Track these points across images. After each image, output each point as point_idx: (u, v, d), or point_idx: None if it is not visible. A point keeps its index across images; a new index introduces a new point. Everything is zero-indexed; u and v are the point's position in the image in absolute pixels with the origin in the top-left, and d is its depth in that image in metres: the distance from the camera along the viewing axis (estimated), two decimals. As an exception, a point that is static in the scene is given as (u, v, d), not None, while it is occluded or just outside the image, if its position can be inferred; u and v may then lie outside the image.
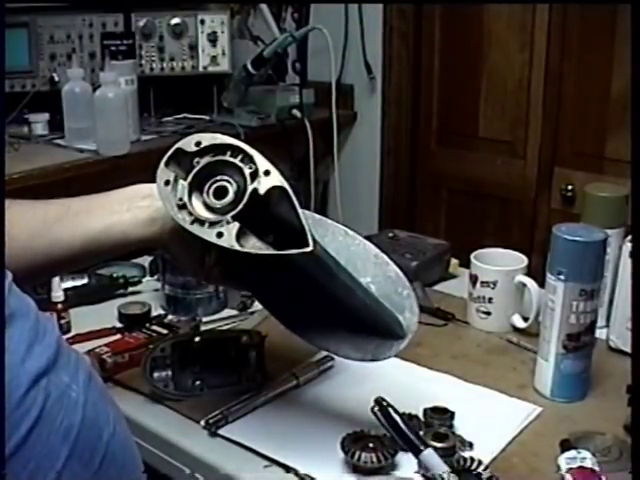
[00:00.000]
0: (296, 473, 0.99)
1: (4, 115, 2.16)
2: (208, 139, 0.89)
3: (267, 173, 0.86)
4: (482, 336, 1.36)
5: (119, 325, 1.39)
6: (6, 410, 0.70)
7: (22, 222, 0.98)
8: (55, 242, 0.99)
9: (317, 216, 1.05)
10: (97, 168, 2.15)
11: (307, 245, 0.85)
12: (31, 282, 0.99)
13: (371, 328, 1.02)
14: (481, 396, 1.17)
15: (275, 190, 0.86)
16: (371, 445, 0.99)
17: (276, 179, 0.86)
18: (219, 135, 0.90)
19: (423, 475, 0.97)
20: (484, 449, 1.03)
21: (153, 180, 0.92)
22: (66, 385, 0.76)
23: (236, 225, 0.86)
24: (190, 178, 0.89)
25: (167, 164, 0.90)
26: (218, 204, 0.87)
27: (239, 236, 0.86)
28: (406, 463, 0.99)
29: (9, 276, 0.79)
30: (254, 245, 0.87)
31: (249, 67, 2.47)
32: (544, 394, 1.17)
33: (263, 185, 0.86)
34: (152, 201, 0.98)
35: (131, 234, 0.98)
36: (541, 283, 1.22)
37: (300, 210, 0.86)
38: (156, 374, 1.15)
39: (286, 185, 0.86)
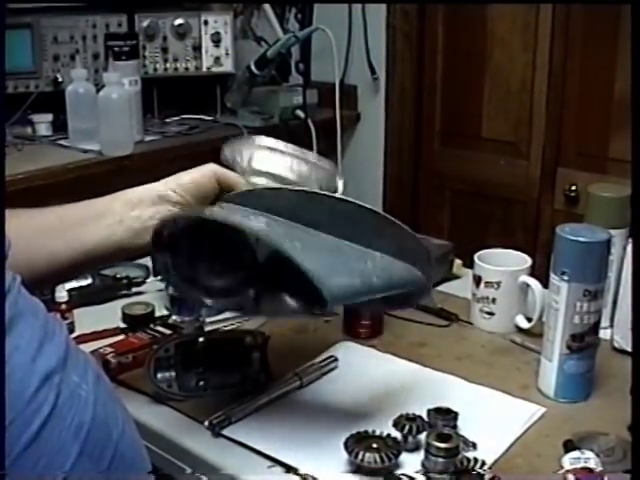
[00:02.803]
0: (296, 473, 1.00)
1: (3, 115, 2.17)
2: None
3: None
4: (486, 337, 1.36)
5: (123, 325, 1.39)
6: (17, 407, 0.71)
7: (20, 236, 0.99)
8: (52, 255, 1.01)
9: (316, 193, 1.00)
10: (101, 169, 2.15)
11: (325, 303, 0.90)
12: (35, 289, 1.00)
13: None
14: (485, 397, 1.17)
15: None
16: (374, 445, 0.99)
17: (268, 248, 0.92)
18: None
19: (425, 474, 0.97)
20: (488, 449, 1.03)
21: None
22: (76, 384, 0.77)
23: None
24: None
25: None
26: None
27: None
28: (409, 463, 0.99)
29: (18, 278, 0.79)
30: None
31: (252, 68, 2.48)
32: (548, 394, 1.17)
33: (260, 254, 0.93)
34: (142, 210, 1.01)
35: (126, 244, 1.01)
36: (545, 283, 1.22)
37: (309, 270, 0.88)
38: (160, 374, 1.15)
39: (286, 251, 0.89)
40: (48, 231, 1.02)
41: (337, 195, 1.01)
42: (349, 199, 0.99)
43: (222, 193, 1.04)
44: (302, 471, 0.99)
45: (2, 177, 0.90)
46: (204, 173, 1.06)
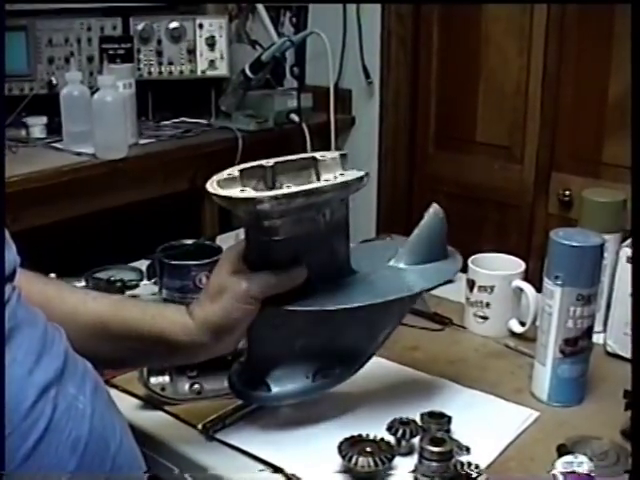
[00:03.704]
0: (287, 475, 1.00)
1: (3, 116, 2.16)
2: None
3: None
4: (479, 341, 1.36)
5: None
6: (13, 421, 0.70)
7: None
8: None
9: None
10: (95, 171, 2.15)
11: None
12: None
13: None
14: (478, 401, 1.17)
15: None
16: (368, 449, 0.99)
17: None
18: None
19: (418, 479, 0.97)
20: (481, 453, 1.03)
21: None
22: (73, 396, 0.77)
23: None
24: None
25: None
26: None
27: None
28: (403, 467, 0.99)
29: (17, 289, 0.78)
30: None
31: (247, 71, 2.48)
32: (541, 399, 1.17)
33: None
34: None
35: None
36: (538, 288, 1.22)
37: None
38: (153, 378, 1.14)
39: None
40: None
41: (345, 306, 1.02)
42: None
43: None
44: (288, 471, 0.99)
45: (2, 178, 0.89)
46: (238, 307, 0.95)
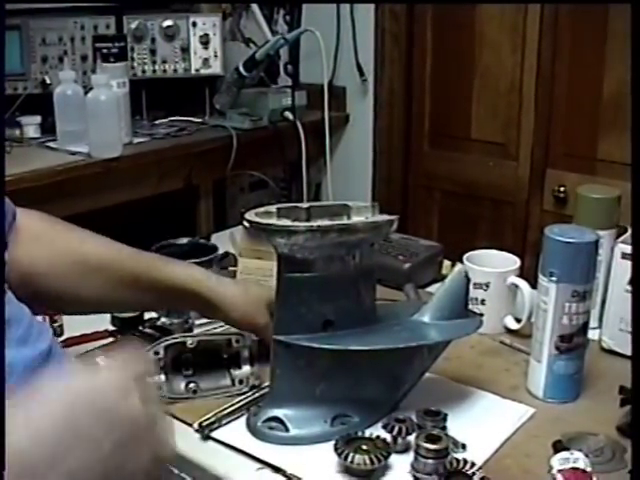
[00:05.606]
0: (284, 474, 1.00)
1: (3, 115, 2.16)
2: None
3: None
4: (475, 338, 1.35)
5: (112, 328, 1.39)
6: None
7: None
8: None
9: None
10: (89, 171, 2.15)
11: None
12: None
13: None
14: (474, 398, 1.17)
15: None
16: (364, 447, 0.99)
17: None
18: None
19: (415, 476, 0.97)
20: (477, 450, 1.03)
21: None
22: None
23: None
24: None
25: None
26: None
27: None
28: (399, 465, 0.99)
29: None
30: None
31: (241, 69, 2.47)
32: (537, 395, 1.17)
33: None
34: None
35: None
36: (533, 284, 1.22)
37: None
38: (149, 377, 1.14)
39: None
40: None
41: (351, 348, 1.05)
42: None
43: None
44: (289, 472, 0.99)
45: (2, 177, 0.89)
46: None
